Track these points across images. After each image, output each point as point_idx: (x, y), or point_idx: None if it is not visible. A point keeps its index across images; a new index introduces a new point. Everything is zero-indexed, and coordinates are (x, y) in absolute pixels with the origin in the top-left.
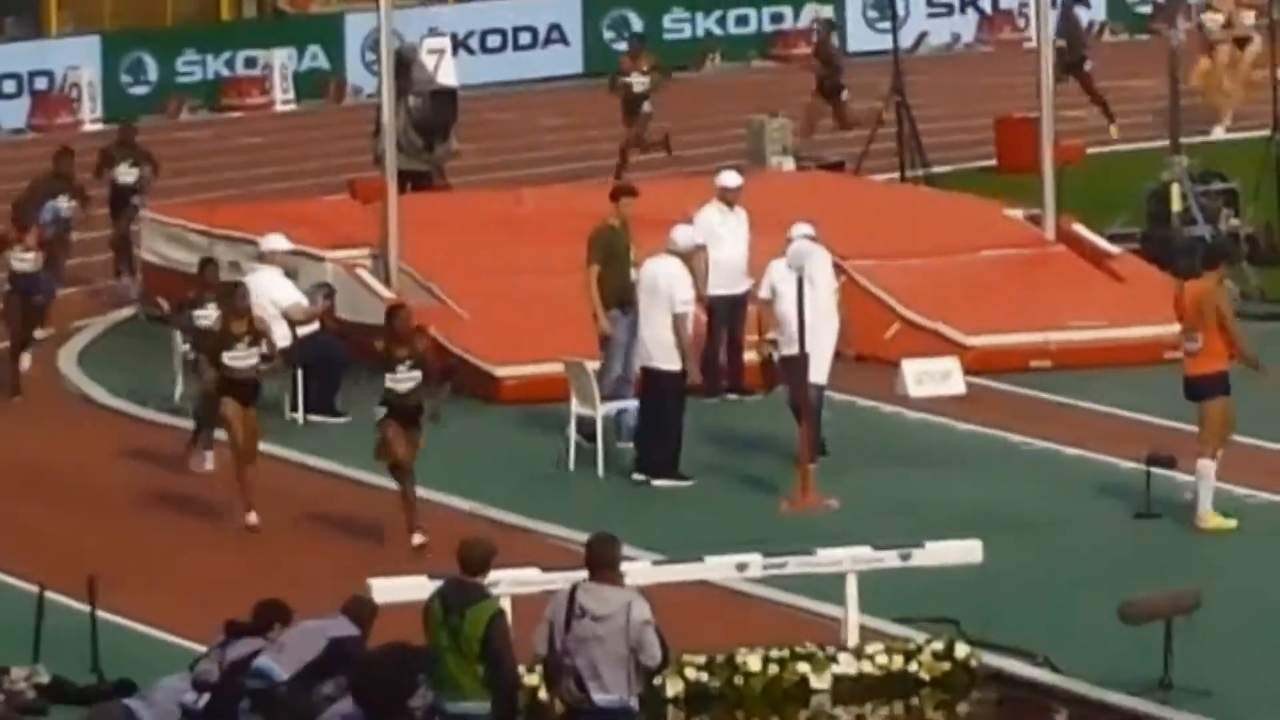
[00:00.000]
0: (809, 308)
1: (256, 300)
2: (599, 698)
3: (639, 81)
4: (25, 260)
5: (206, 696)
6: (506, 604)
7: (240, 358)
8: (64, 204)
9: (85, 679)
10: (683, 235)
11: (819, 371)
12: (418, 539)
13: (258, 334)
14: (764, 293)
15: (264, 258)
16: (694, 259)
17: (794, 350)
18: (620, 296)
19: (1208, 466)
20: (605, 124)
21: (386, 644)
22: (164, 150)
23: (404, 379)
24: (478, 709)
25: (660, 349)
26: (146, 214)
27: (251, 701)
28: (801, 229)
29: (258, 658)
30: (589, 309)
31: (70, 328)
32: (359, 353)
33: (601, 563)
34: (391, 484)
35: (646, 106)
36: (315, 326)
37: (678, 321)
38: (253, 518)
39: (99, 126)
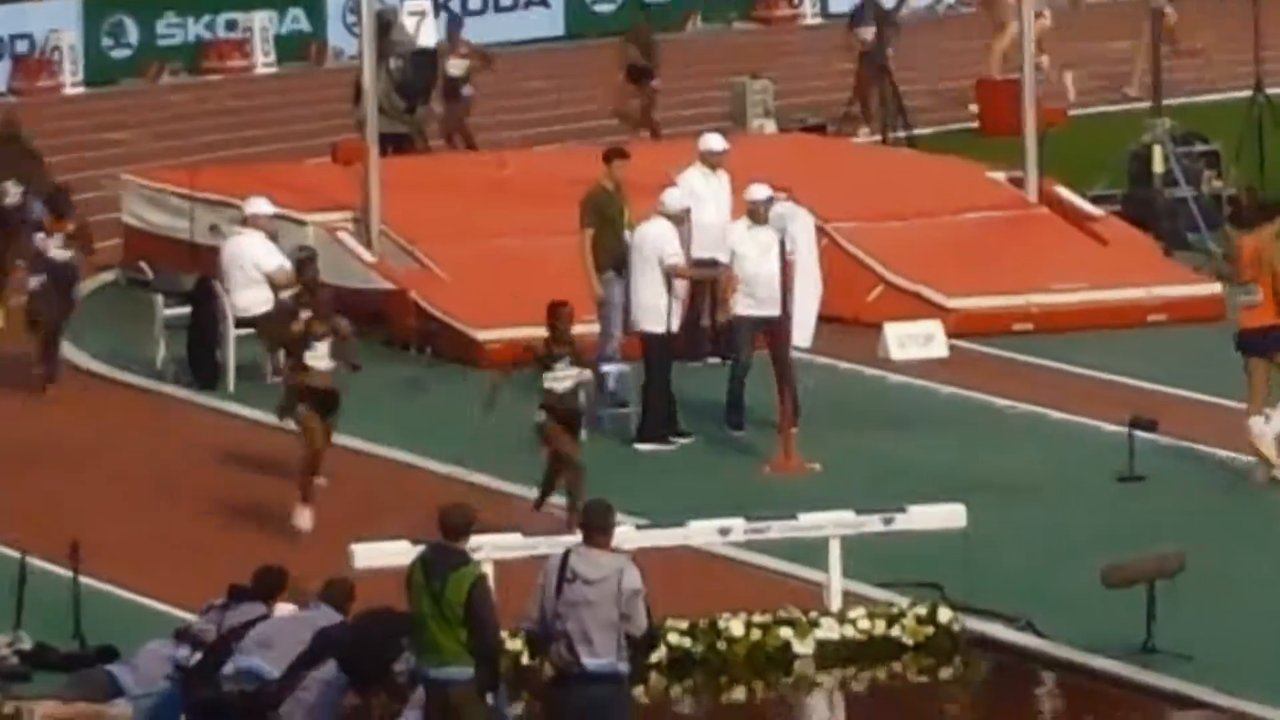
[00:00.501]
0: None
1: (239, 263)
2: (589, 662)
3: (456, 65)
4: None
5: (198, 655)
6: (489, 569)
7: (321, 358)
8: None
9: (68, 645)
10: (672, 197)
11: (802, 336)
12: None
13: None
14: (723, 256)
15: (248, 221)
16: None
17: (767, 312)
18: (614, 259)
19: (1259, 425)
20: (588, 86)
21: (369, 610)
22: (145, 114)
23: (563, 378)
24: (460, 674)
25: (645, 312)
26: (127, 177)
27: (244, 701)
28: (758, 191)
29: (246, 658)
30: (582, 272)
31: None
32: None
33: (595, 528)
34: (381, 449)
35: (466, 90)
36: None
37: (667, 276)
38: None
39: (80, 90)
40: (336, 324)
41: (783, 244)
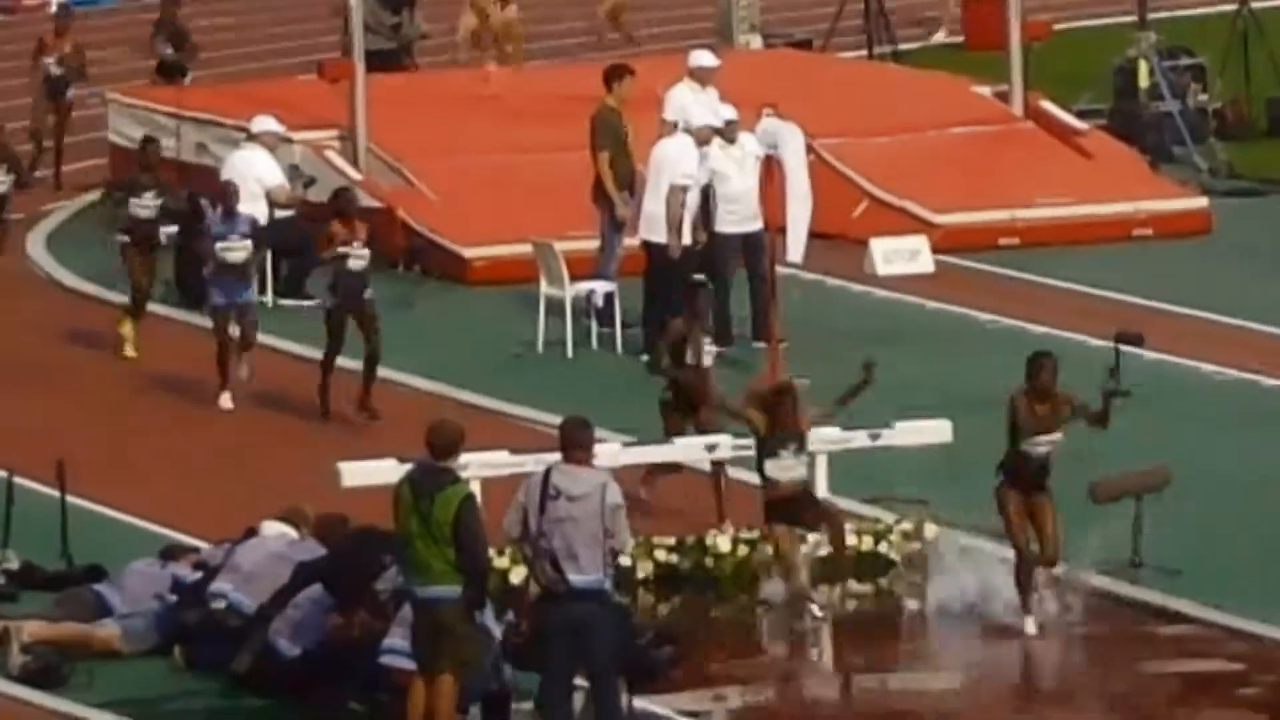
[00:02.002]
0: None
1: (241, 178)
2: (575, 578)
3: (53, 65)
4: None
5: (198, 577)
6: (476, 486)
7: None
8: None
9: (54, 565)
10: (697, 115)
11: (795, 251)
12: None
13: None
14: (702, 178)
15: (253, 138)
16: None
17: (748, 228)
18: (624, 180)
19: None
20: (572, 4)
21: (353, 528)
22: (131, 31)
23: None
24: (448, 593)
25: (657, 223)
26: (113, 96)
27: (225, 631)
28: (727, 112)
29: (231, 587)
30: (578, 191)
31: (38, 211)
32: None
33: (574, 444)
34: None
35: (71, 94)
36: (291, 211)
37: (672, 193)
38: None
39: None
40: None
41: (768, 160)
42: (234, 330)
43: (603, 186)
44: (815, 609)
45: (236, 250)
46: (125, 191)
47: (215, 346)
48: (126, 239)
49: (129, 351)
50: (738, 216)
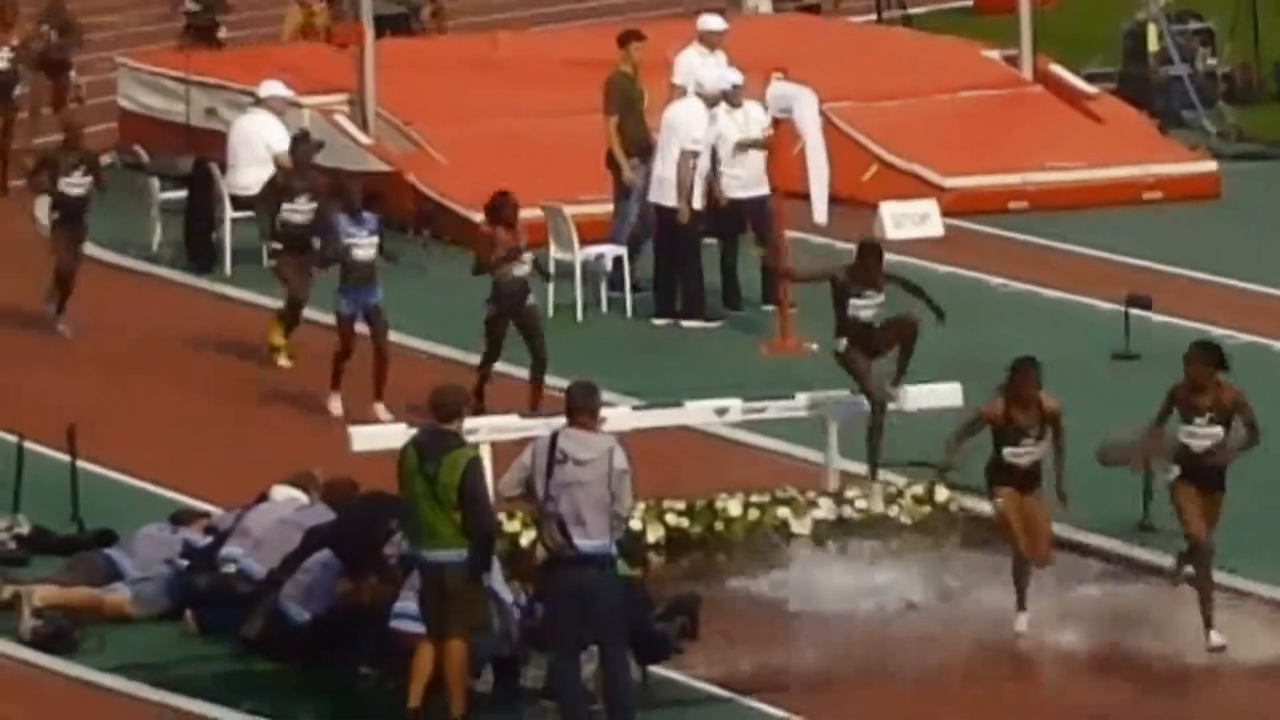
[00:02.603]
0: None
1: (249, 141)
2: (582, 543)
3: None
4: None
5: (209, 542)
6: (486, 450)
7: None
8: None
9: (66, 529)
10: (710, 79)
11: (820, 212)
12: None
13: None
14: (707, 143)
15: (261, 102)
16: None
17: (753, 192)
18: (639, 145)
19: None
20: None
21: (362, 493)
22: None
23: None
24: (454, 557)
25: (669, 186)
26: (122, 60)
27: (235, 596)
28: (732, 76)
29: (241, 551)
30: (588, 155)
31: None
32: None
33: (580, 408)
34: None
35: (18, 91)
36: None
37: (683, 157)
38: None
39: None
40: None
41: (778, 124)
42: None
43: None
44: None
45: (366, 248)
46: (279, 197)
47: (336, 348)
48: (279, 246)
49: (282, 361)
50: (742, 181)
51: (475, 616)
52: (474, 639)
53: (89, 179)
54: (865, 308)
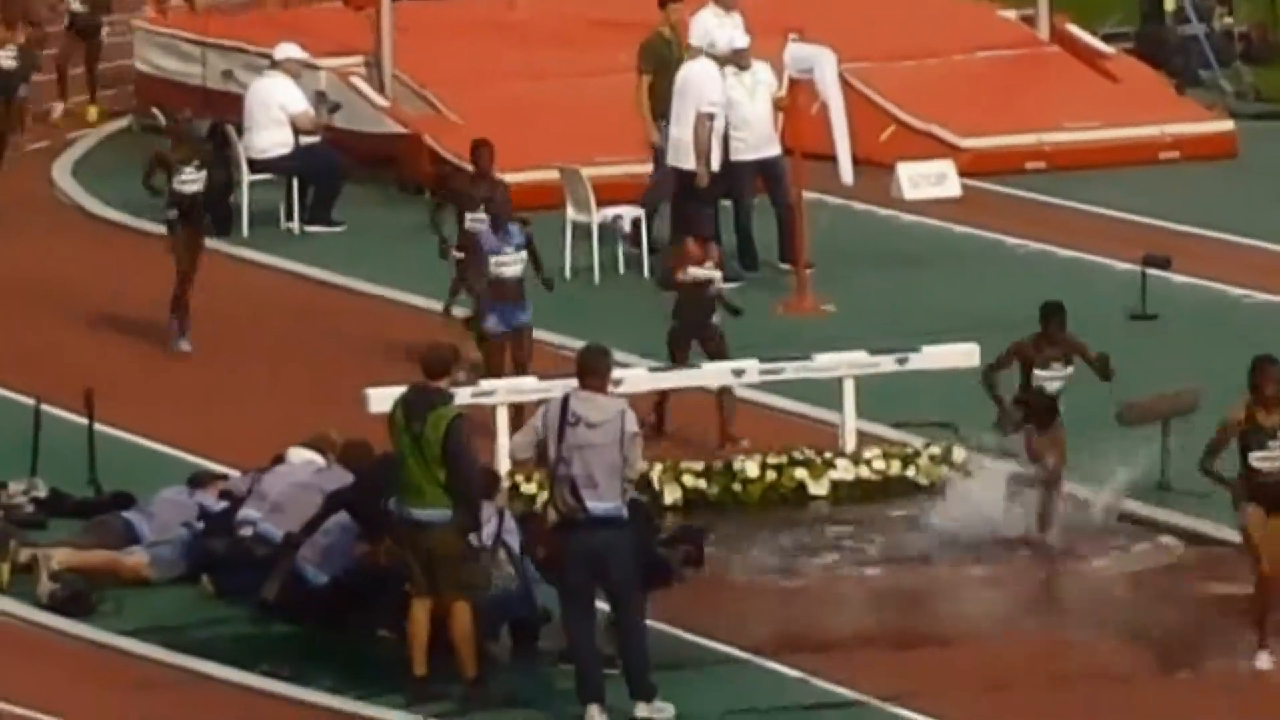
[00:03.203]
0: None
1: (264, 103)
2: (594, 505)
3: (8, 57)
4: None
5: (226, 505)
6: (503, 412)
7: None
8: None
9: (83, 492)
10: (723, 40)
11: (845, 172)
12: None
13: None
14: (718, 105)
15: (277, 65)
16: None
17: (763, 154)
18: (669, 106)
19: None
20: None
21: (379, 455)
22: None
23: None
24: (439, 516)
25: (685, 149)
26: (138, 23)
27: (253, 559)
28: (740, 40)
29: (258, 514)
30: (609, 115)
31: (64, 139)
32: (354, 163)
33: (592, 371)
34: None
35: (23, 91)
36: (316, 137)
37: (699, 120)
38: None
39: None
40: None
41: (794, 85)
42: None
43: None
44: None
45: (512, 265)
46: (456, 203)
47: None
48: (460, 255)
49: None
50: (750, 143)
51: (465, 576)
52: (488, 601)
53: (203, 173)
54: (1051, 380)
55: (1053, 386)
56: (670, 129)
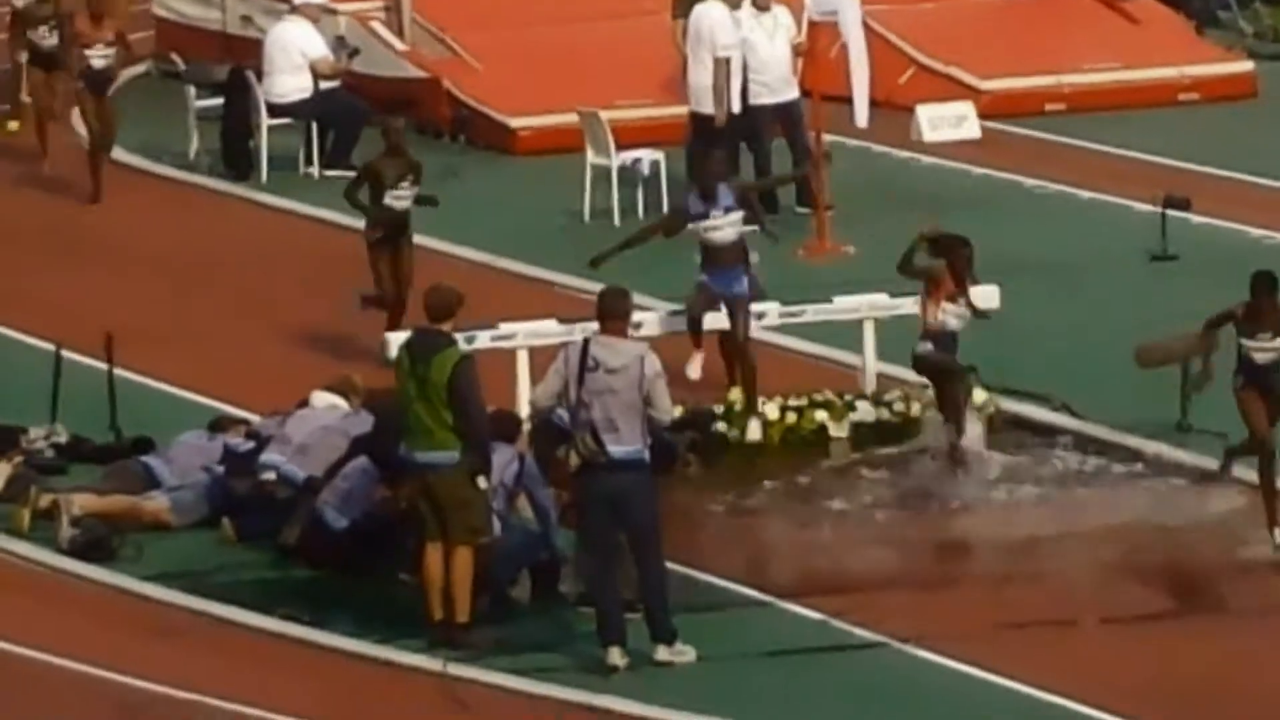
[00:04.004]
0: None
1: (284, 48)
2: (614, 450)
3: (101, 56)
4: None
5: (248, 448)
6: (524, 356)
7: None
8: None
9: (103, 437)
10: None
11: (861, 115)
12: None
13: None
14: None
15: (296, 9)
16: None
17: (781, 98)
18: None
19: None
20: None
21: (395, 400)
22: None
23: None
24: (446, 459)
25: (703, 93)
26: None
27: (274, 503)
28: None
29: (281, 457)
30: (619, 61)
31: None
32: (373, 107)
33: (612, 314)
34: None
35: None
36: (336, 83)
37: (717, 65)
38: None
39: None
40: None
41: (814, 26)
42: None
43: None
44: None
45: (723, 228)
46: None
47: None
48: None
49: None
50: (769, 87)
51: (473, 519)
52: (509, 545)
53: (415, 189)
54: (1260, 351)
55: (1262, 358)
56: (688, 74)
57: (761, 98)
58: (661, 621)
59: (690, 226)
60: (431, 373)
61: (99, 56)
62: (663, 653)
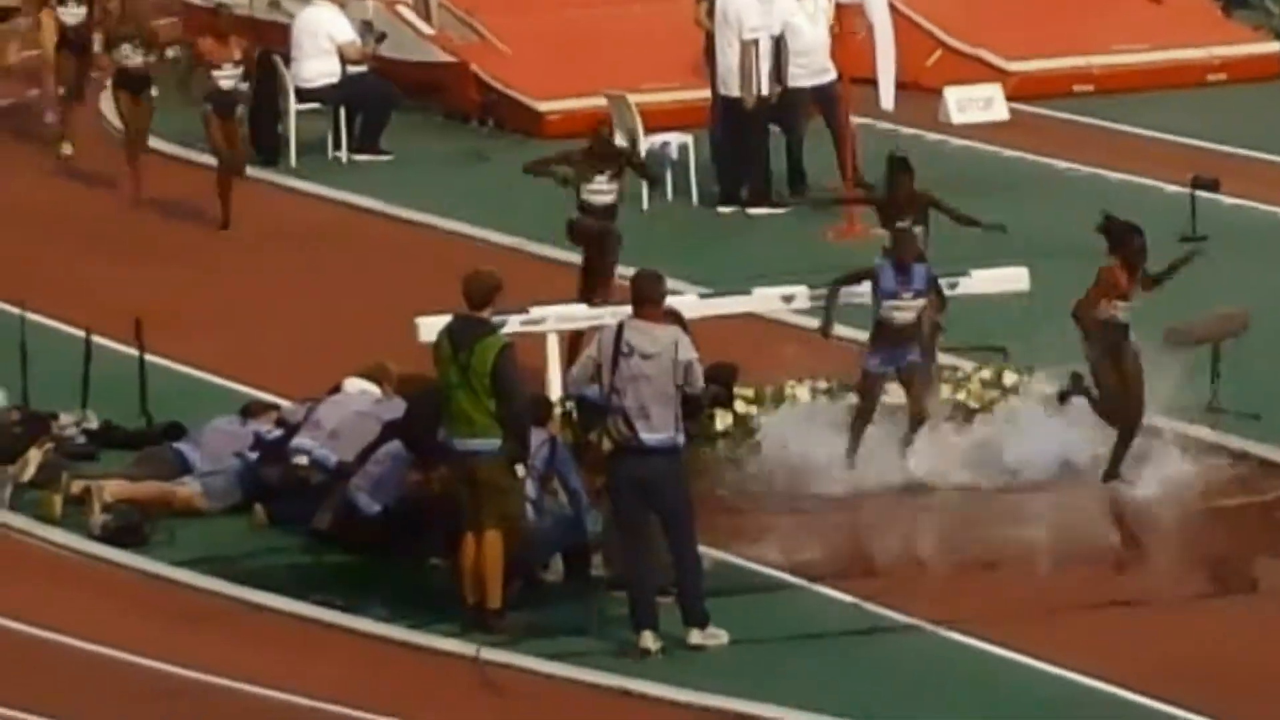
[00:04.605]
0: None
1: (312, 32)
2: (647, 436)
3: (228, 76)
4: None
5: (279, 434)
6: (553, 340)
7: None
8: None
9: (134, 423)
10: None
11: (886, 98)
12: None
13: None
14: (775, 28)
15: None
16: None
17: (820, 80)
18: None
19: None
20: None
21: (427, 385)
22: None
23: None
24: (487, 446)
25: (734, 77)
26: None
27: (306, 488)
28: None
29: (313, 441)
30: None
31: (110, 70)
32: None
33: (646, 299)
34: (443, 221)
35: (242, 112)
36: (364, 67)
37: (744, 48)
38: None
39: None
40: None
41: (840, 9)
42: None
43: (713, 41)
44: None
45: (906, 310)
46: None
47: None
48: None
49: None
50: (809, 69)
51: (508, 506)
52: (541, 530)
53: (615, 185)
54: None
55: None
56: (716, 57)
57: (800, 80)
58: (695, 605)
59: (865, 297)
60: (474, 360)
61: (226, 77)
62: (696, 636)
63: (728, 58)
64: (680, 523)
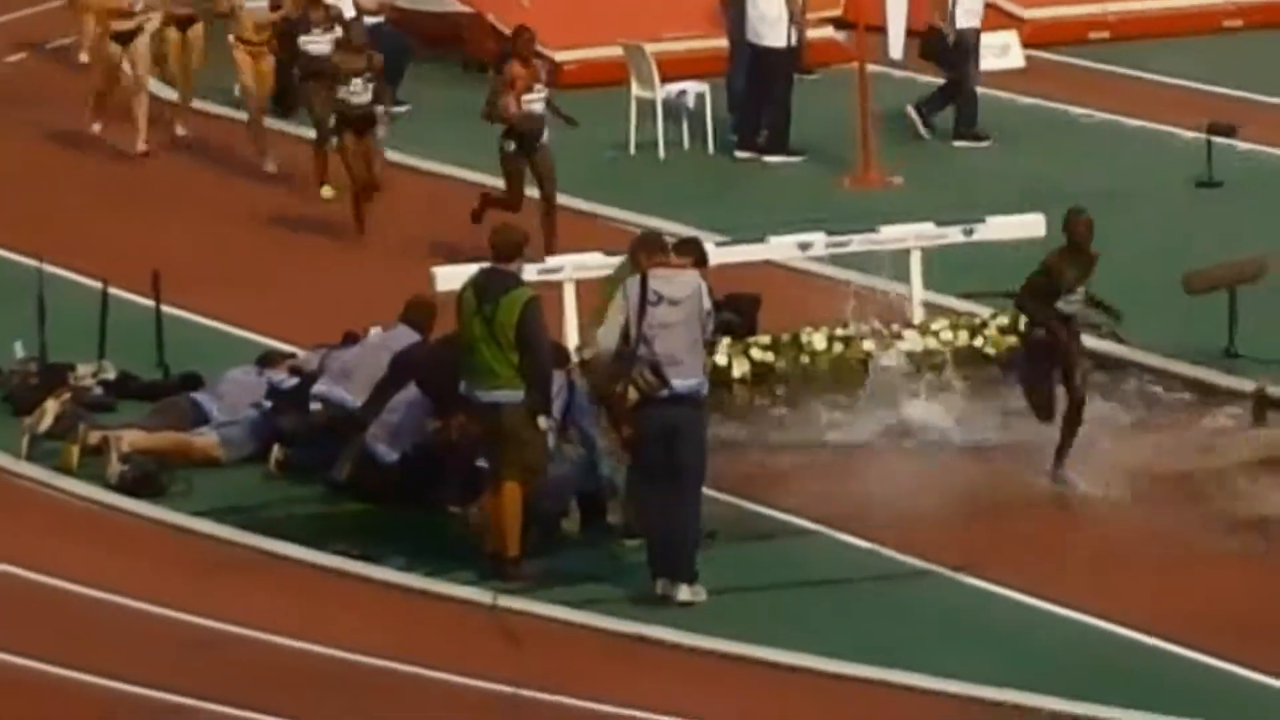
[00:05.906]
0: None
1: None
2: (678, 383)
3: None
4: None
5: (295, 383)
6: (570, 288)
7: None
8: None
9: (151, 374)
10: None
11: (895, 47)
12: None
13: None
14: None
15: None
16: None
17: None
18: None
19: None
20: None
21: (446, 334)
22: None
23: None
24: (510, 397)
25: (766, 25)
26: None
27: (331, 425)
28: None
29: (328, 387)
30: None
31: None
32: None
33: (662, 248)
34: (460, 171)
35: (381, 132)
36: (381, 18)
37: None
38: None
39: None
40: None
41: None
42: None
43: None
44: None
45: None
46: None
47: None
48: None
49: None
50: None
51: (530, 458)
52: (558, 477)
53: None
54: None
55: None
56: (750, 4)
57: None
58: (689, 561)
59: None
60: (500, 313)
61: (356, 93)
62: (684, 593)
63: (759, 7)
64: (693, 474)
